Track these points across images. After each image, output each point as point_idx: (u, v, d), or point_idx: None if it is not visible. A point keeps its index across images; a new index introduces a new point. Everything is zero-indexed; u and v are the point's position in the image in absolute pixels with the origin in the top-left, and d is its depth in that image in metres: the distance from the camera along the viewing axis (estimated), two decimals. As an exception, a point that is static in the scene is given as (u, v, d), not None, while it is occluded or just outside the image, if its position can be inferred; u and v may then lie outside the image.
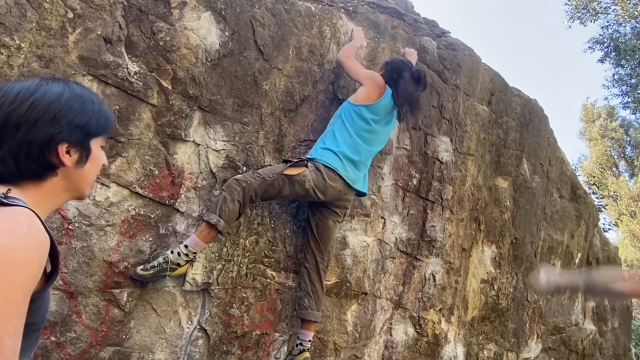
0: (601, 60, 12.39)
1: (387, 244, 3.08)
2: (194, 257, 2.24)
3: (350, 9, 3.14)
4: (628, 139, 17.76)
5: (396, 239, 3.13)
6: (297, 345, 2.47)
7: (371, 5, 3.30)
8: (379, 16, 3.30)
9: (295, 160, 2.45)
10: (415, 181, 3.26)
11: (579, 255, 4.56)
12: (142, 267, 2.14)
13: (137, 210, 2.20)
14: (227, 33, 2.49)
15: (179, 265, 2.19)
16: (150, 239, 2.23)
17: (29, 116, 0.86)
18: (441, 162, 3.37)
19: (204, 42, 2.39)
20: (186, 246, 2.19)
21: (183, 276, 2.27)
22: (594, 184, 16.52)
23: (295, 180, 2.36)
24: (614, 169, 18.13)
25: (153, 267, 2.14)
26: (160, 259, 2.16)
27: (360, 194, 2.67)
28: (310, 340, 2.50)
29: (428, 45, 3.46)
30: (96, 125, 0.95)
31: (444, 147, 3.41)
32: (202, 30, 2.40)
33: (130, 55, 2.22)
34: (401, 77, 2.68)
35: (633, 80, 12.42)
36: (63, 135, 0.89)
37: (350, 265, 2.83)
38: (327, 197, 2.46)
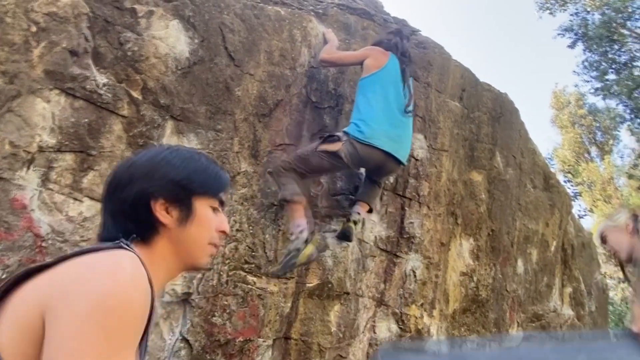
0: (571, 46, 12.71)
1: (367, 242, 3.11)
2: (308, 236, 2.45)
3: (320, 11, 3.16)
4: (597, 124, 18.22)
5: (375, 237, 3.17)
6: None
7: (341, 7, 3.32)
8: (349, 17, 3.33)
9: (327, 135, 2.61)
10: (391, 179, 3.29)
11: (555, 243, 4.68)
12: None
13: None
14: (196, 40, 2.47)
15: (298, 250, 2.38)
16: (128, 251, 2.20)
17: (127, 176, 0.86)
18: (416, 159, 3.42)
19: (173, 51, 2.38)
20: (292, 233, 2.43)
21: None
22: (568, 172, 16.91)
23: (332, 154, 2.55)
24: (586, 155, 18.60)
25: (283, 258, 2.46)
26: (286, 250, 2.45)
27: (401, 163, 2.78)
28: (359, 213, 2.82)
29: (398, 44, 3.50)
30: (200, 183, 0.89)
31: (418, 145, 3.46)
32: (171, 39, 2.38)
33: (98, 67, 2.19)
34: (396, 43, 2.88)
35: (602, 66, 12.77)
36: (155, 190, 0.85)
37: (331, 267, 2.85)
38: (370, 166, 2.72)
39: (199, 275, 2.34)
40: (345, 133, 2.62)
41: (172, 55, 2.37)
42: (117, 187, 0.87)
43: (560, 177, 15.87)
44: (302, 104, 2.91)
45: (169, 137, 2.36)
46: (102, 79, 2.18)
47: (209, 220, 0.90)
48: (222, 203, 0.94)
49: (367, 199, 2.96)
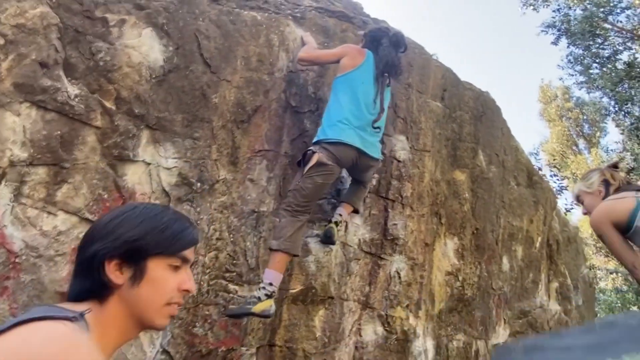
0: (554, 43, 12.82)
1: (351, 246, 3.11)
2: (275, 293, 2.39)
3: (298, 15, 3.14)
4: (584, 117, 18.41)
5: (359, 240, 3.16)
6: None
7: (319, 10, 3.31)
8: (327, 20, 3.32)
9: (302, 157, 2.62)
10: (374, 181, 3.29)
11: (539, 239, 4.72)
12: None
13: (88, 236, 2.15)
14: (171, 48, 2.45)
15: (259, 299, 2.31)
16: (105, 264, 2.18)
17: (90, 236, 0.91)
18: (399, 161, 3.42)
19: (146, 59, 2.35)
20: (262, 282, 2.38)
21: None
22: (554, 166, 17.08)
23: (317, 168, 2.52)
24: (574, 147, 18.79)
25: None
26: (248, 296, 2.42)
27: (375, 158, 2.77)
28: (340, 214, 2.85)
29: (378, 46, 3.50)
30: (155, 243, 0.89)
31: (400, 146, 3.46)
32: (144, 47, 2.35)
33: (69, 78, 2.16)
34: (380, 44, 2.82)
35: (586, 61, 12.90)
36: (108, 250, 0.87)
37: (314, 272, 2.84)
38: (347, 165, 2.68)
39: (179, 286, 2.32)
40: (315, 143, 2.62)
41: (146, 64, 2.34)
42: (81, 247, 0.91)
43: (549, 171, 16.02)
44: (282, 108, 2.89)
45: (144, 147, 2.33)
46: (74, 90, 2.15)
47: (164, 281, 0.90)
48: (185, 261, 0.94)
49: (350, 199, 2.95)
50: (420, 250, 3.44)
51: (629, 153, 13.59)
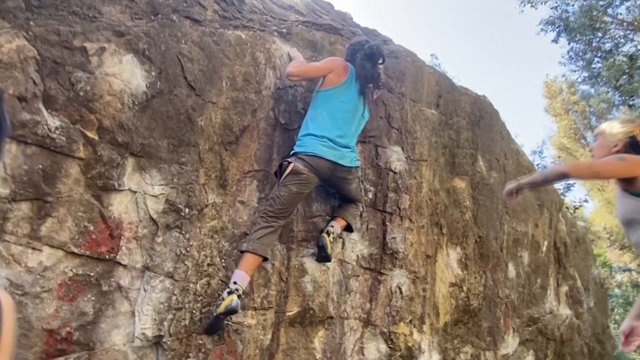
0: (555, 40, 12.69)
1: (349, 263, 3.04)
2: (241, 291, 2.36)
3: (284, 30, 3.10)
4: (591, 109, 18.24)
5: (357, 256, 3.10)
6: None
7: (306, 24, 3.26)
8: (314, 34, 3.27)
9: (278, 167, 2.66)
10: (370, 195, 3.23)
11: (546, 243, 4.61)
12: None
13: (74, 270, 2.11)
14: (153, 73, 2.41)
15: (222, 299, 2.30)
16: (93, 298, 2.13)
17: None
18: (394, 172, 3.35)
19: (128, 86, 2.31)
20: (235, 282, 2.34)
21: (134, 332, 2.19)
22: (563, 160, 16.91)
23: (292, 176, 2.56)
24: (582, 140, 18.61)
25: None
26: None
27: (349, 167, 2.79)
28: (333, 226, 2.83)
29: (368, 56, 3.45)
30: None
31: (396, 157, 3.39)
32: (126, 74, 2.32)
33: (49, 110, 2.13)
34: (355, 59, 2.88)
35: (588, 55, 12.75)
36: None
37: (312, 292, 2.78)
38: (323, 175, 2.68)
39: (170, 316, 2.27)
40: (293, 154, 2.67)
41: (128, 91, 2.31)
42: None
43: (550, 161, 15.82)
44: (271, 127, 2.84)
45: (130, 175, 2.29)
46: (54, 122, 2.12)
47: None
48: None
49: (343, 215, 2.90)
50: (421, 263, 3.36)
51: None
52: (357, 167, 2.84)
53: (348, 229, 2.91)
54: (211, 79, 2.61)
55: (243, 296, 2.41)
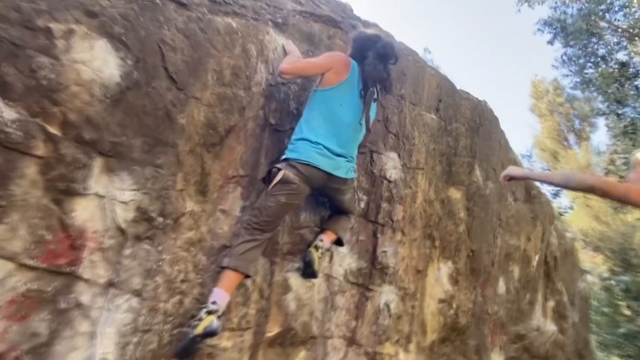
0: (550, 42, 12.60)
1: (336, 278, 2.83)
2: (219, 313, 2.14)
3: (280, 21, 2.82)
4: (575, 112, 18.41)
5: (345, 271, 2.88)
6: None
7: (303, 14, 2.99)
8: (312, 26, 3.00)
9: (267, 173, 2.42)
10: (362, 204, 3.01)
11: (537, 257, 4.48)
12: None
13: (27, 285, 1.84)
14: (129, 62, 2.12)
15: (200, 320, 2.08)
16: (48, 317, 1.87)
17: None
18: (389, 181, 3.13)
19: (99, 76, 2.02)
20: (214, 302, 2.12)
21: None
22: (548, 169, 17.03)
23: (281, 186, 2.32)
24: (564, 142, 18.79)
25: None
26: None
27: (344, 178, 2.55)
28: (322, 240, 2.62)
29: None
30: None
31: (391, 164, 3.17)
32: (97, 62, 2.02)
33: (5, 100, 1.83)
34: (366, 58, 2.57)
35: (581, 60, 12.69)
36: None
37: (295, 311, 2.56)
38: (316, 186, 2.45)
39: (135, 339, 2.02)
40: (283, 160, 2.42)
41: (99, 81, 2.02)
42: None
43: (539, 165, 15.89)
44: (260, 127, 2.58)
45: (97, 178, 2.02)
46: (10, 114, 1.82)
47: None
48: None
49: (333, 228, 2.68)
50: (411, 279, 3.18)
51: (619, 155, 13.43)
52: (353, 178, 2.61)
53: (338, 242, 2.69)
54: (195, 71, 2.33)
55: (222, 317, 2.17)
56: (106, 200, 2.03)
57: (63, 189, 1.93)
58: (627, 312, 12.06)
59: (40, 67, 1.89)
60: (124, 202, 2.06)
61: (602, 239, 14.38)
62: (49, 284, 1.89)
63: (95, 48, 2.03)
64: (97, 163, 2.02)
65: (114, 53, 2.08)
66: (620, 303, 12.14)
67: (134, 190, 2.09)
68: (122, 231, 2.05)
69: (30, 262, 1.84)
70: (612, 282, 12.16)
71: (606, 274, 13.66)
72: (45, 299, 1.87)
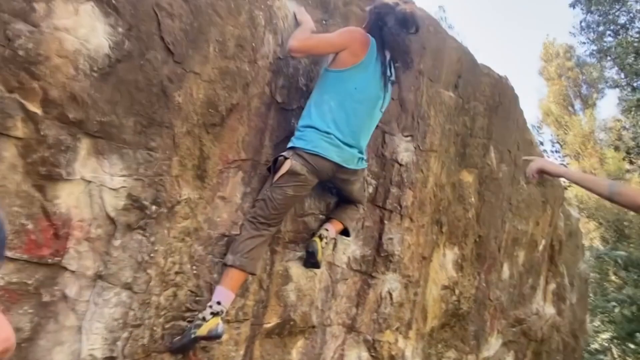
0: (572, 5, 12.03)
1: (339, 266, 2.70)
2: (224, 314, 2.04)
3: (291, -17, 2.52)
4: (583, 77, 18.03)
5: (349, 258, 2.75)
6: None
7: (318, -24, 2.68)
8: (327, -10, 2.70)
9: (272, 162, 2.23)
10: (371, 189, 2.83)
11: (543, 241, 4.37)
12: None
13: (7, 278, 1.69)
14: (120, 29, 1.87)
15: (203, 319, 1.98)
16: (31, 311, 1.74)
17: None
18: (400, 164, 2.94)
19: (85, 46, 1.78)
20: (218, 302, 2.01)
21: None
22: (557, 142, 16.74)
23: (288, 177, 2.15)
24: (569, 108, 18.53)
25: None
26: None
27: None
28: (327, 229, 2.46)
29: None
30: None
31: (404, 147, 2.97)
32: (83, 30, 1.78)
33: (-23, 72, 1.61)
34: (385, 24, 2.32)
35: (601, 28, 12.17)
36: None
37: (294, 302, 2.45)
38: (324, 177, 2.28)
39: (125, 335, 1.90)
40: (290, 148, 2.22)
41: (85, 52, 1.78)
42: None
43: (550, 146, 15.66)
44: (265, 106, 2.36)
45: (83, 161, 1.82)
46: (-17, 88, 1.61)
47: None
48: None
49: (340, 217, 2.52)
50: (416, 266, 3.05)
51: (629, 131, 13.14)
52: (363, 168, 2.42)
53: (344, 232, 2.53)
54: (195, 41, 2.08)
55: (226, 317, 2.06)
56: (93, 186, 1.85)
57: (45, 173, 1.74)
58: (616, 280, 12.21)
59: (16, 35, 1.64)
60: (114, 189, 1.88)
61: (599, 208, 14.38)
62: (31, 276, 1.74)
63: (81, 13, 1.77)
64: (84, 145, 1.82)
65: (102, 19, 1.82)
66: (610, 269, 12.26)
67: (124, 175, 1.90)
68: (111, 220, 1.88)
69: (10, 254, 1.68)
70: (604, 250, 12.20)
71: (598, 243, 13.77)
72: (27, 291, 1.73)
